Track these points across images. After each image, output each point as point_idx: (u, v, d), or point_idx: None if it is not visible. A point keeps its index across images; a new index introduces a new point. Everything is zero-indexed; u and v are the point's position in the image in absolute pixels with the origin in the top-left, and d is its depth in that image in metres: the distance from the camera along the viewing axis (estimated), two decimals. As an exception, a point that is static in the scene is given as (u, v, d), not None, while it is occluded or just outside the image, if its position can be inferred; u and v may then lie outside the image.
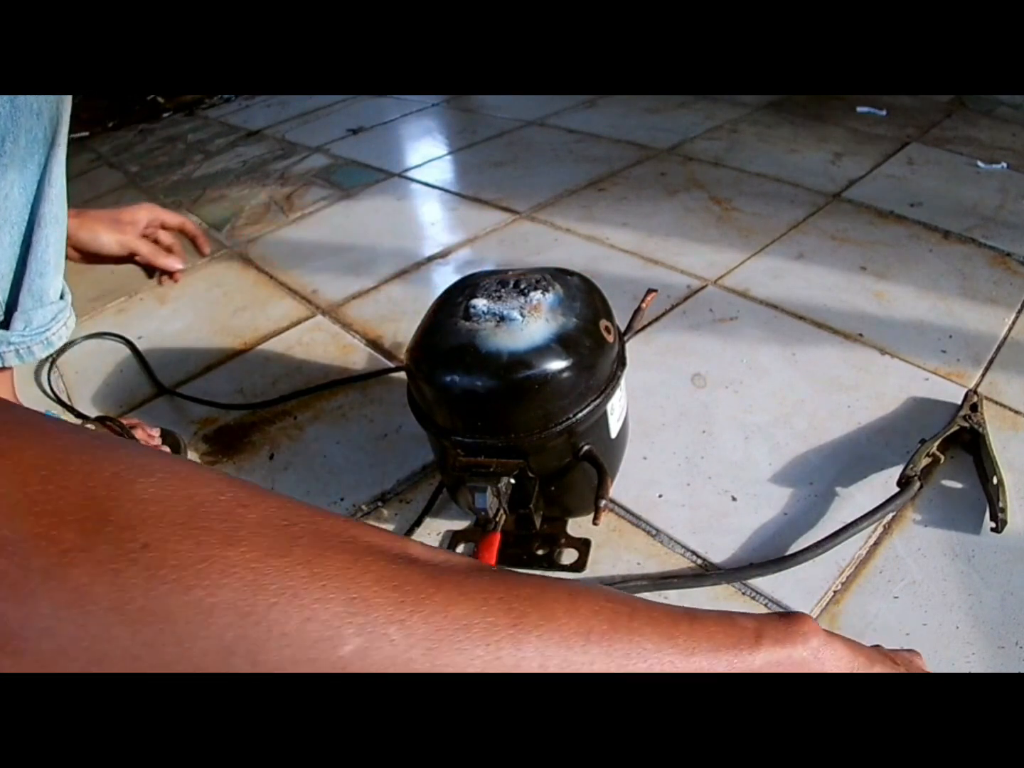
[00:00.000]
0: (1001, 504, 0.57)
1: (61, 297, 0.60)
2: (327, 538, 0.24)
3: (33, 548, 0.19)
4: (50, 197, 0.54)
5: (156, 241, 0.77)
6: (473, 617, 0.24)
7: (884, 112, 1.45)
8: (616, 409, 0.57)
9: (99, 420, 0.74)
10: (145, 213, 0.76)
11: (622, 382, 0.57)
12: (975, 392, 0.69)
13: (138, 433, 0.72)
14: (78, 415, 0.78)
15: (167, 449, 0.73)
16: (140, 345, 0.92)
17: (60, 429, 0.23)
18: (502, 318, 0.51)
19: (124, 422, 0.73)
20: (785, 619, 0.33)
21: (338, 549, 0.24)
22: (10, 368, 0.60)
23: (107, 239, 0.72)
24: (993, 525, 0.56)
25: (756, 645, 0.31)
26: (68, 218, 0.60)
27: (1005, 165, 1.19)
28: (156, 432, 0.73)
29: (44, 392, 0.84)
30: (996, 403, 0.71)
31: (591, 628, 0.27)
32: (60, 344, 0.61)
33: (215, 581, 0.21)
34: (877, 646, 0.40)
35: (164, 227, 0.78)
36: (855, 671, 0.34)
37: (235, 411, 0.79)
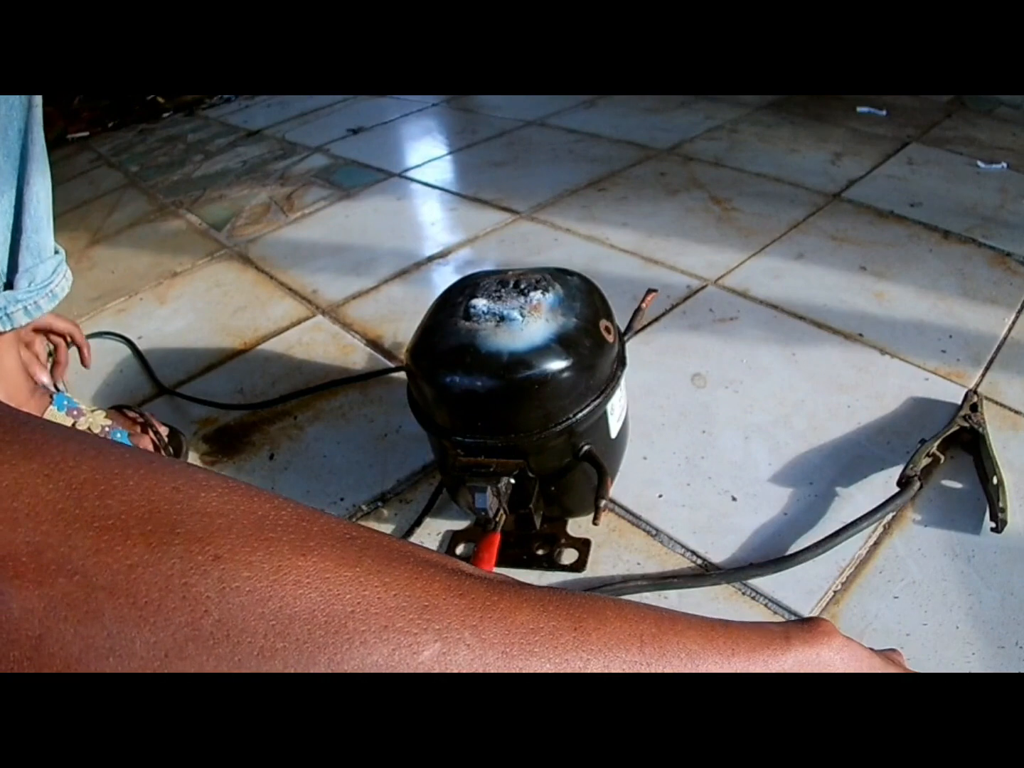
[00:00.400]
0: (1001, 504, 0.57)
1: (56, 252, 0.62)
2: (390, 550, 0.24)
3: (96, 564, 0.19)
4: (34, 155, 0.56)
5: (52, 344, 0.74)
6: (538, 622, 0.25)
7: (884, 112, 1.45)
8: (616, 409, 0.57)
9: (115, 408, 0.74)
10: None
11: (622, 382, 0.57)
12: (975, 392, 0.69)
13: (146, 440, 0.72)
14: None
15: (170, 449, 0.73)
16: (140, 345, 0.92)
17: (110, 445, 0.22)
18: (502, 318, 0.51)
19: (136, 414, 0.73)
20: (808, 623, 0.35)
21: (402, 560, 0.24)
22: (18, 329, 0.61)
23: None
24: (993, 525, 0.56)
25: (787, 646, 0.32)
26: None
27: (1005, 165, 1.19)
28: (165, 430, 0.73)
29: (44, 392, 0.84)
30: (996, 403, 0.71)
31: (642, 631, 0.28)
32: (63, 295, 0.62)
33: (291, 592, 0.20)
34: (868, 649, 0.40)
35: (52, 332, 0.74)
36: (873, 670, 0.35)
37: (235, 411, 0.80)
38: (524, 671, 0.24)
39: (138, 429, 0.72)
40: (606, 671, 0.26)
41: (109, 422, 0.71)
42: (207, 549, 0.20)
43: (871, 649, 0.37)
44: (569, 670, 0.25)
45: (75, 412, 0.70)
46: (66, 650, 0.18)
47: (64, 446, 0.21)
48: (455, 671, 0.22)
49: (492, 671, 0.23)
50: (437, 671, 0.22)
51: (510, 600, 0.25)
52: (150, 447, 0.71)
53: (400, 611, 0.22)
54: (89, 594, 0.18)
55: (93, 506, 0.19)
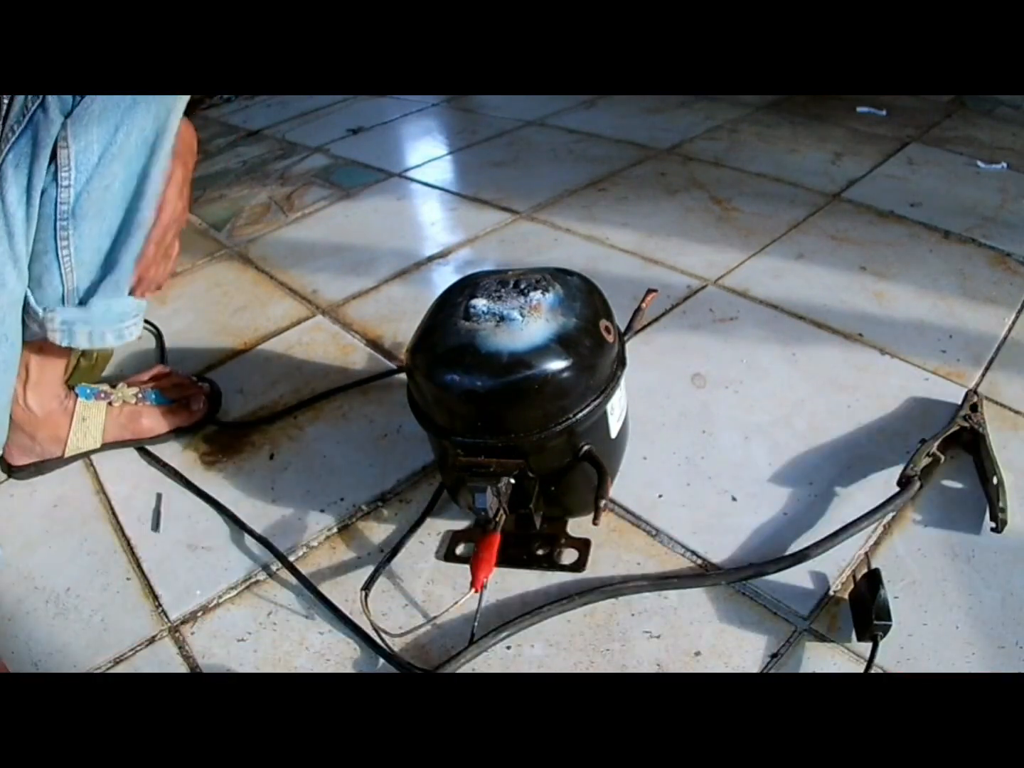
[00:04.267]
0: (1001, 504, 0.57)
1: (131, 295, 0.63)
2: None
3: None
4: (147, 196, 0.56)
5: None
6: None
7: (884, 112, 1.45)
8: (616, 409, 0.57)
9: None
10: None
11: (622, 382, 0.57)
12: (975, 392, 0.69)
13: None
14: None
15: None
16: (139, 345, 0.92)
17: None
18: (502, 318, 0.51)
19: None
20: None
21: None
22: (71, 350, 0.63)
23: None
24: (993, 525, 0.56)
25: None
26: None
27: (1005, 165, 1.19)
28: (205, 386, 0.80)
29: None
30: (996, 403, 0.70)
31: None
32: (130, 339, 0.64)
33: None
34: None
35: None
36: None
37: (235, 411, 0.80)
38: None
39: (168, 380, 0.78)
40: None
41: (135, 389, 0.75)
42: None
43: None
44: None
45: (102, 395, 0.74)
46: None
47: None
48: None
49: None
50: None
51: None
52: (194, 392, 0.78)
53: None
54: None
55: None
